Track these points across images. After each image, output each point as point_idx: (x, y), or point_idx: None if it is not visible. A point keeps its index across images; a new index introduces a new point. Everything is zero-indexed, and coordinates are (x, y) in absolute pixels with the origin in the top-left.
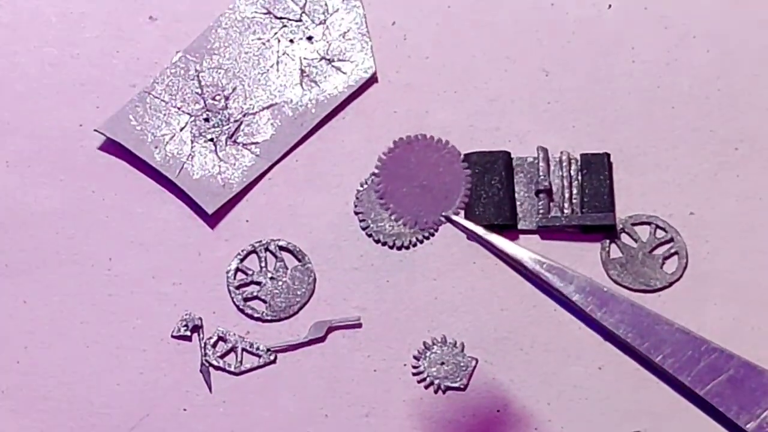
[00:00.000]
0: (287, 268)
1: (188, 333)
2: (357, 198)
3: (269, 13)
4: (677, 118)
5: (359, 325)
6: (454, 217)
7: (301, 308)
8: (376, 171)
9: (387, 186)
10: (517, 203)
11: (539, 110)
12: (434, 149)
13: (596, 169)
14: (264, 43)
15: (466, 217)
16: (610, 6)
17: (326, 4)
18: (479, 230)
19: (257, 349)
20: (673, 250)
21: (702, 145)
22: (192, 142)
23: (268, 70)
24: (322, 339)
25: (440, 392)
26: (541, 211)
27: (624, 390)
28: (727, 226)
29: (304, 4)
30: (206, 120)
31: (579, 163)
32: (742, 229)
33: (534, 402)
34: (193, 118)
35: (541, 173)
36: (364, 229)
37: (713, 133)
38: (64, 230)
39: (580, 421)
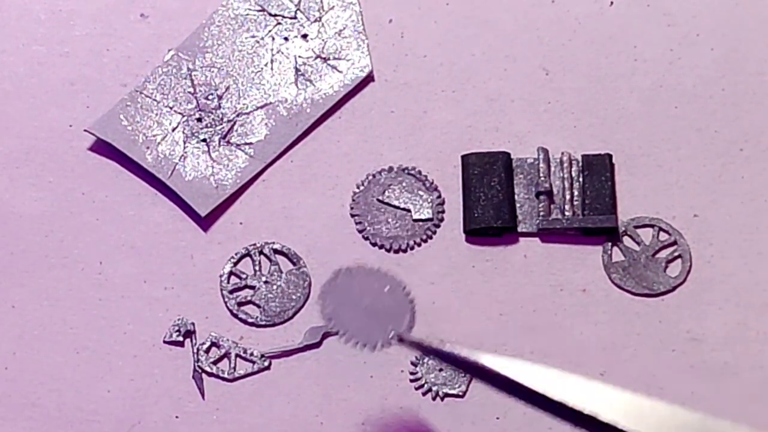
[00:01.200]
0: (282, 272)
1: (180, 338)
2: (353, 200)
3: (263, 10)
4: (680, 118)
5: None
6: (405, 336)
7: (296, 313)
8: (321, 295)
9: (333, 311)
10: (517, 205)
11: (539, 110)
12: (375, 278)
13: (598, 171)
14: (258, 41)
15: (465, 221)
16: (611, 3)
17: (322, 2)
18: (435, 343)
19: (251, 354)
20: (676, 254)
21: (706, 145)
22: (184, 142)
23: (262, 68)
24: (317, 345)
25: (438, 399)
26: (541, 214)
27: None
28: (732, 228)
29: (299, 2)
30: (199, 120)
31: (580, 164)
32: (747, 232)
33: (534, 409)
34: (185, 117)
35: (541, 174)
36: (360, 231)
37: (717, 133)
38: (53, 233)
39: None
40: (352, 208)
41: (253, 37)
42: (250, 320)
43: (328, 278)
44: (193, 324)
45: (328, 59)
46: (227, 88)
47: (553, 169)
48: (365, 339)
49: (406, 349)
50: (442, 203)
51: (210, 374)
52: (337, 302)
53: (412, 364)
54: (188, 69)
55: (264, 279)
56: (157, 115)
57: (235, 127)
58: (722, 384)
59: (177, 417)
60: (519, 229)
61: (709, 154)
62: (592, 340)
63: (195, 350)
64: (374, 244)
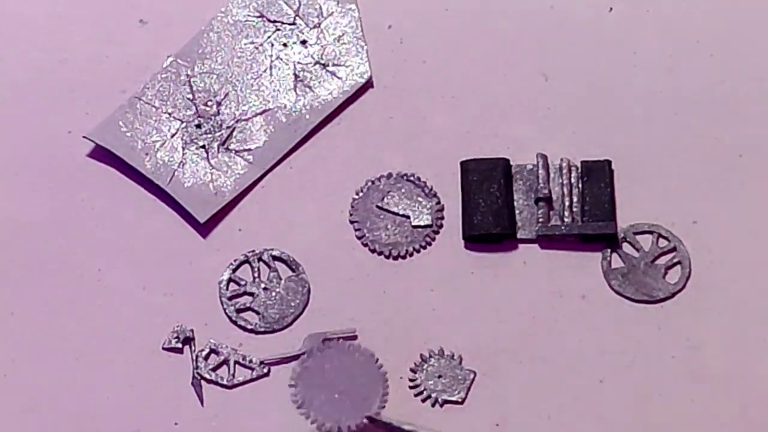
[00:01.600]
0: (281, 279)
1: (179, 345)
2: (352, 206)
3: (262, 16)
4: (680, 124)
5: (354, 337)
6: (376, 417)
7: (295, 319)
8: (292, 382)
9: (305, 395)
10: (516, 212)
11: (539, 116)
12: (347, 354)
13: (597, 177)
14: (257, 48)
15: (464, 227)
16: (611, 9)
17: (321, 8)
18: (403, 426)
19: (250, 361)
20: (675, 260)
21: (705, 152)
22: (183, 149)
23: (261, 74)
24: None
25: (437, 405)
26: (540, 220)
27: (625, 403)
28: (731, 234)
29: (298, 8)
30: (198, 126)
31: (579, 171)
32: (746, 238)
33: (534, 415)
34: (184, 124)
35: (540, 181)
36: (359, 238)
37: (716, 140)
38: (51, 239)
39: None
40: (351, 215)
41: (252, 43)
42: (249, 327)
43: (300, 360)
44: (192, 331)
45: (328, 65)
46: (226, 95)
47: (552, 175)
48: (336, 423)
49: (405, 357)
50: (442, 209)
51: (209, 381)
52: (307, 387)
53: (412, 370)
54: (187, 75)
55: (263, 286)
56: (156, 121)
57: (234, 134)
58: (721, 391)
59: (176, 424)
60: (518, 236)
61: (709, 161)
62: (591, 346)
63: (194, 357)
64: (373, 251)
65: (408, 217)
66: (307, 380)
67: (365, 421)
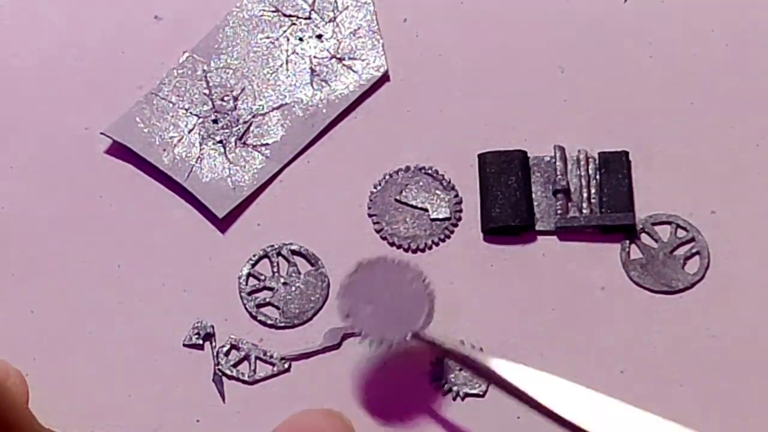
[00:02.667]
0: (300, 273)
1: (200, 341)
2: (370, 200)
3: (277, 11)
4: (696, 114)
5: None
6: (421, 334)
7: (315, 314)
8: (340, 292)
9: (352, 307)
10: (535, 203)
11: (555, 108)
12: (396, 270)
13: (615, 168)
14: (273, 42)
15: (482, 220)
16: (625, 0)
17: (336, 1)
18: (447, 344)
19: (271, 357)
20: (694, 250)
21: (722, 141)
22: (201, 144)
23: (277, 69)
24: (337, 346)
25: (459, 399)
26: (559, 212)
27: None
28: (750, 224)
29: (314, 2)
30: (215, 121)
31: (597, 162)
32: (765, 227)
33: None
34: (201, 119)
35: (558, 172)
36: (378, 231)
37: (733, 129)
38: (71, 236)
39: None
40: (369, 208)
41: (267, 38)
42: (269, 322)
43: (348, 272)
44: (212, 327)
45: (344, 59)
46: (242, 90)
47: (569, 167)
48: (381, 337)
49: (426, 350)
50: (460, 202)
51: (230, 377)
52: (355, 299)
53: (432, 365)
54: (203, 71)
55: (282, 280)
56: (173, 117)
57: (251, 129)
58: (741, 381)
59: (198, 420)
60: (537, 228)
61: (726, 150)
62: (611, 337)
63: (215, 353)
64: (392, 244)
65: (426, 210)
66: (354, 293)
67: (409, 336)
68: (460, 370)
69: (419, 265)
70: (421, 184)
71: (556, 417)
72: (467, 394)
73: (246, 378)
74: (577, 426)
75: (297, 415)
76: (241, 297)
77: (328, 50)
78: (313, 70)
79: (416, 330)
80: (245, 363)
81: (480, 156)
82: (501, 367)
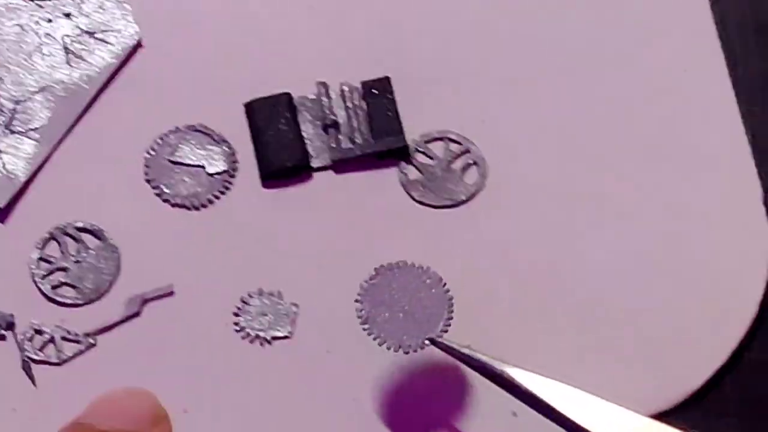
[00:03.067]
0: (89, 249)
1: (2, 332)
2: (146, 165)
3: None
4: (452, 29)
5: (172, 293)
6: (440, 340)
7: (111, 286)
8: (359, 298)
9: (370, 312)
10: (307, 142)
11: (312, 47)
12: (415, 275)
13: (380, 95)
14: (22, 28)
15: (259, 166)
16: None
17: None
18: (467, 351)
19: (75, 335)
20: (471, 161)
21: (480, 52)
22: None
23: (31, 54)
24: (138, 314)
25: (266, 344)
26: (332, 146)
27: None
28: (520, 128)
29: None
30: None
31: (361, 92)
32: (535, 129)
33: (362, 336)
34: None
35: (325, 108)
36: (158, 195)
37: (487, 39)
38: None
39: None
40: (146, 174)
41: (16, 24)
42: (67, 302)
43: (368, 277)
44: (12, 315)
45: (95, 33)
46: (1, 79)
47: (335, 101)
48: (398, 341)
49: (226, 303)
50: (234, 153)
51: (38, 362)
52: (372, 304)
53: (235, 315)
54: None
55: (73, 259)
56: None
57: (16, 115)
58: (536, 281)
59: (14, 409)
60: (313, 165)
61: (486, 61)
62: (405, 256)
63: (18, 341)
64: (174, 205)
65: (202, 166)
66: (373, 297)
67: (427, 342)
68: (264, 315)
69: (197, 227)
70: (193, 142)
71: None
72: (274, 338)
73: (54, 360)
74: None
75: (99, 398)
76: (35, 282)
77: (78, 27)
78: (67, 49)
79: (434, 336)
80: (51, 345)
81: (246, 105)
82: (522, 377)
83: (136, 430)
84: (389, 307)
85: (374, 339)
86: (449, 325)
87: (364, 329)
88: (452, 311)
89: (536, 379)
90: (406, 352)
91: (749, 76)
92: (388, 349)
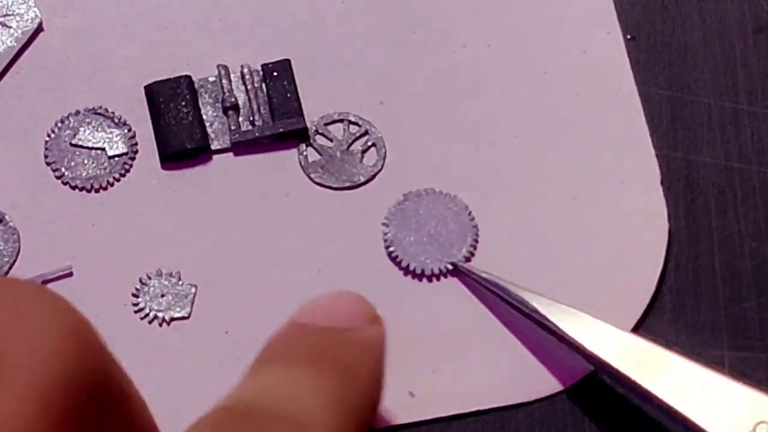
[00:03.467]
0: None
1: None
2: (47, 149)
3: None
4: (349, 12)
5: (71, 274)
6: (461, 265)
7: (10, 269)
8: (386, 221)
9: (396, 235)
10: (207, 124)
11: (212, 30)
12: (442, 202)
13: (279, 77)
14: None
15: (159, 149)
16: None
17: None
18: (487, 276)
19: None
20: (370, 143)
21: (378, 34)
22: None
23: None
24: None
25: (165, 324)
26: (232, 128)
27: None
28: (418, 108)
29: None
30: None
31: (261, 74)
32: (432, 108)
33: (261, 317)
34: None
35: (225, 91)
36: (59, 178)
37: (388, 20)
38: None
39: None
40: (46, 157)
41: None
42: None
43: (396, 201)
44: None
45: None
46: None
47: (235, 83)
48: (421, 265)
49: (125, 284)
50: (134, 136)
51: None
52: (398, 227)
53: (134, 295)
54: None
55: None
56: None
57: None
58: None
59: None
60: (213, 147)
61: (385, 43)
62: (303, 240)
63: None
64: (74, 187)
65: (103, 149)
66: (399, 221)
67: (449, 266)
68: (163, 296)
69: (100, 210)
70: (93, 125)
71: (600, 361)
72: (173, 318)
73: None
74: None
75: (312, 301)
76: None
77: None
78: None
79: (456, 260)
80: None
81: (146, 87)
82: (543, 303)
83: (354, 328)
84: (414, 231)
85: (398, 261)
86: (472, 253)
87: (389, 252)
88: (477, 239)
89: (557, 307)
90: (428, 277)
91: (749, 77)
92: (411, 271)
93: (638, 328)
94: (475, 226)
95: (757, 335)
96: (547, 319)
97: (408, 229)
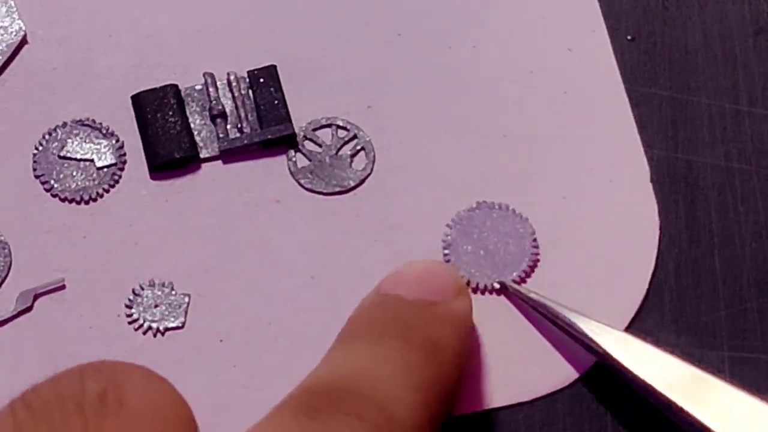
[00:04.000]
0: None
1: None
2: (35, 161)
3: None
4: (335, 17)
5: (63, 287)
6: (509, 285)
7: (2, 283)
8: (450, 224)
9: (455, 240)
10: (195, 133)
11: (198, 38)
12: (511, 221)
13: (266, 83)
14: None
15: (147, 159)
16: None
17: None
18: (535, 298)
19: None
20: (359, 147)
21: (364, 38)
22: None
23: None
24: (29, 309)
25: (159, 335)
26: (220, 136)
27: (337, 295)
28: (405, 111)
29: None
30: None
31: (248, 81)
32: (420, 112)
33: (255, 324)
34: None
35: (212, 99)
36: (48, 190)
37: (374, 24)
38: None
39: (304, 332)
40: (35, 170)
41: None
42: None
43: (467, 207)
44: None
45: None
46: None
47: (222, 91)
48: (469, 275)
49: (118, 295)
50: (122, 147)
51: None
52: (460, 234)
53: (127, 306)
54: None
55: None
56: None
57: None
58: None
59: None
60: (202, 156)
61: (369, 46)
62: (295, 246)
63: None
64: (64, 200)
65: (91, 160)
66: (464, 227)
67: (496, 285)
68: (156, 306)
69: (91, 221)
70: (81, 136)
71: (656, 394)
72: (167, 329)
73: None
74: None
75: (399, 271)
76: None
77: None
78: None
79: (504, 279)
80: None
81: (133, 97)
82: (593, 327)
83: (441, 301)
84: (475, 241)
85: (447, 261)
86: (524, 277)
87: (445, 254)
88: (533, 264)
89: (617, 335)
90: (473, 289)
91: (749, 78)
92: (461, 277)
93: (632, 327)
94: (536, 254)
95: (757, 336)
96: (605, 350)
97: (469, 238)
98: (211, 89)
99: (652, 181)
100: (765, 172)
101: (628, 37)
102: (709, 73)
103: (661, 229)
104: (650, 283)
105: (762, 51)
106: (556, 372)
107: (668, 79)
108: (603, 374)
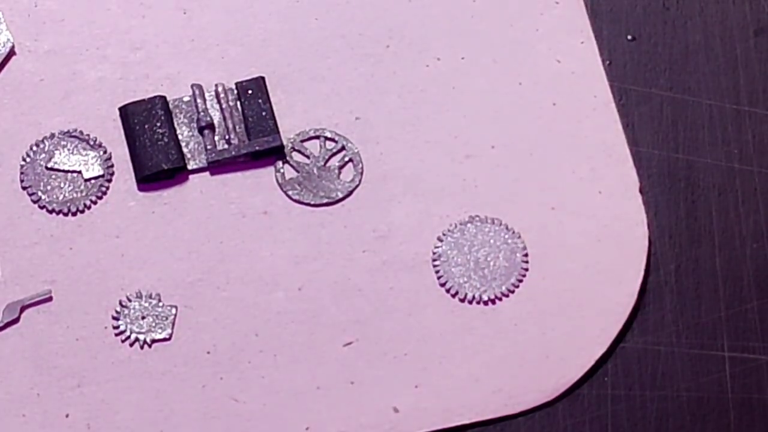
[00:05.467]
0: None
1: None
2: (22, 173)
3: None
4: (323, 28)
5: (50, 299)
6: (493, 298)
7: None
8: (441, 236)
9: (446, 252)
10: (183, 144)
11: (185, 49)
12: (503, 236)
13: (254, 95)
14: None
15: (135, 170)
16: None
17: None
18: None
19: None
20: (347, 158)
21: (353, 50)
22: None
23: None
24: (16, 320)
25: (146, 346)
26: (208, 147)
27: (326, 304)
28: (394, 122)
29: None
30: None
31: (236, 92)
32: (409, 123)
33: (242, 336)
34: None
35: (199, 110)
36: (35, 202)
37: (362, 35)
38: None
39: (291, 344)
40: (22, 181)
41: None
42: None
43: (460, 220)
44: None
45: None
46: None
47: (210, 102)
48: (457, 286)
49: (105, 307)
50: (110, 158)
51: None
52: (453, 244)
53: (114, 318)
54: None
55: None
56: None
57: None
58: (415, 272)
59: None
60: (189, 167)
61: (358, 57)
62: (283, 258)
63: None
64: (51, 211)
65: (79, 172)
66: (456, 239)
67: (484, 297)
68: (143, 318)
69: (77, 233)
70: (69, 147)
71: None
72: (154, 340)
73: None
74: None
75: None
76: None
77: None
78: None
79: (490, 293)
80: None
81: (121, 109)
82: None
83: None
84: (465, 254)
85: (438, 278)
86: (513, 291)
87: (434, 266)
88: (520, 280)
89: None
90: (461, 300)
91: (750, 78)
92: (448, 291)
93: (632, 328)
94: (526, 269)
95: (757, 336)
96: None
97: (459, 250)
98: (199, 101)
99: (641, 191)
100: (765, 173)
101: (629, 37)
102: (709, 73)
103: (650, 240)
104: (650, 284)
105: (763, 51)
106: (543, 384)
107: (669, 79)
108: (603, 376)
